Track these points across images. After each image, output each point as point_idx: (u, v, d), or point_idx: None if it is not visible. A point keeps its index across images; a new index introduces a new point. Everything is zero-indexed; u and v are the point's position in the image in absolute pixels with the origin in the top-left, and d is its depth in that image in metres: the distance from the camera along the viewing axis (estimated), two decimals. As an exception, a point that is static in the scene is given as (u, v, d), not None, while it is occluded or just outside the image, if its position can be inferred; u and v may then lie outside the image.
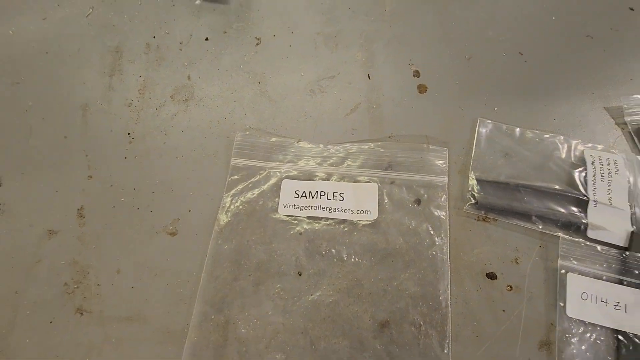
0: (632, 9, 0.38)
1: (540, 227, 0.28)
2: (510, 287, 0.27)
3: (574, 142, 0.31)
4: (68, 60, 0.36)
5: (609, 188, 0.29)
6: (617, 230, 0.28)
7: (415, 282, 0.27)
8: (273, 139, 0.32)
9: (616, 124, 0.32)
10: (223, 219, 0.29)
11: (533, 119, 0.33)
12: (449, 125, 0.33)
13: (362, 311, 0.26)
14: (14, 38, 0.38)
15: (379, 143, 0.32)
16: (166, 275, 0.28)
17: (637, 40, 0.36)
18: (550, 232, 0.28)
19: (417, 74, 0.35)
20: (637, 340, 0.25)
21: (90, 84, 0.35)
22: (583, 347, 0.25)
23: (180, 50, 0.37)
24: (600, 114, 0.33)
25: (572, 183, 0.29)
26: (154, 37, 0.37)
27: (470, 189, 0.30)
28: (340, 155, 0.31)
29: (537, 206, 0.29)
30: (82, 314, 0.27)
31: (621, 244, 0.27)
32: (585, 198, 0.29)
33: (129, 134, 0.33)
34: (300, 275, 0.28)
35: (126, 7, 0.39)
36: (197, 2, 0.39)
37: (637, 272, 0.26)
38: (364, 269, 0.28)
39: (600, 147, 0.31)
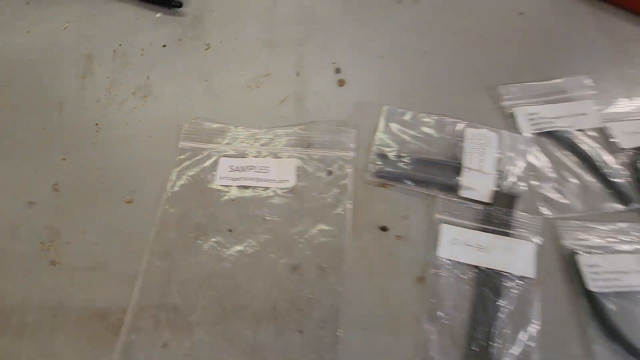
0: (521, 14, 0.45)
1: (425, 190, 0.35)
2: (399, 236, 0.34)
3: (460, 123, 0.38)
4: (48, 66, 0.44)
5: (481, 157, 0.36)
6: (483, 190, 0.34)
7: (322, 235, 0.34)
8: (214, 126, 0.39)
9: (496, 107, 0.39)
10: (170, 189, 0.36)
11: (431, 105, 0.40)
12: (361, 111, 0.40)
13: (278, 258, 0.33)
14: (3, 49, 0.45)
15: (302, 126, 0.39)
16: (123, 234, 0.34)
17: (521, 39, 0.43)
18: (433, 194, 0.35)
19: (338, 71, 0.42)
20: (490, 273, 0.31)
21: (65, 85, 0.42)
22: (450, 280, 0.32)
23: (142, 55, 0.44)
24: (485, 100, 0.40)
25: (453, 155, 0.36)
26: (120, 45, 0.44)
27: (372, 161, 0.37)
28: (270, 137, 0.38)
29: (424, 174, 0.36)
30: (54, 265, 0.33)
31: (486, 201, 0.34)
32: (461, 166, 0.35)
33: (96, 124, 0.40)
34: (230, 231, 0.34)
35: (97, 21, 0.46)
36: (158, 15, 0.46)
37: (496, 221, 0.33)
38: (282, 226, 0.34)
39: (481, 126, 0.38)
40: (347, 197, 0.35)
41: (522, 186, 0.35)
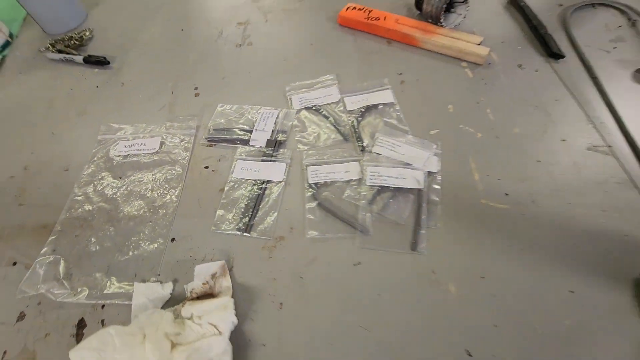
0: (311, 44, 0.72)
1: (232, 145, 0.60)
2: (214, 170, 0.58)
3: (259, 107, 0.64)
4: (26, 106, 0.72)
5: (265, 124, 0.61)
6: (263, 140, 0.59)
7: (170, 174, 0.58)
8: (119, 126, 0.65)
9: (284, 97, 0.65)
10: (89, 161, 0.62)
11: (248, 100, 0.66)
12: (206, 109, 0.66)
13: (148, 189, 0.58)
14: (2, 100, 0.74)
15: (169, 120, 0.65)
16: (61, 187, 0.60)
17: (310, 59, 0.70)
18: (237, 146, 0.60)
19: (196, 88, 0.69)
20: (259, 181, 0.55)
21: (35, 115, 0.70)
22: (236, 188, 0.55)
23: (83, 93, 0.72)
24: (279, 94, 0.66)
25: (252, 125, 0.62)
26: (71, 89, 0.73)
27: (206, 133, 0.62)
28: (151, 128, 0.64)
29: (235, 136, 0.61)
30: (21, 205, 0.58)
31: (264, 146, 0.59)
32: (253, 129, 0.60)
33: (52, 132, 0.67)
34: (120, 178, 0.59)
35: (58, 78, 0.75)
36: (95, 70, 0.75)
37: (266, 155, 0.57)
38: (150, 172, 0.59)
39: (271, 108, 0.63)
40: (188, 152, 0.60)
41: (286, 136, 0.60)
